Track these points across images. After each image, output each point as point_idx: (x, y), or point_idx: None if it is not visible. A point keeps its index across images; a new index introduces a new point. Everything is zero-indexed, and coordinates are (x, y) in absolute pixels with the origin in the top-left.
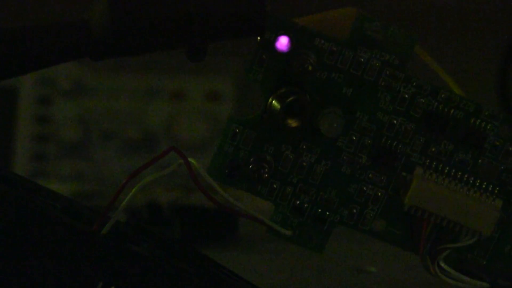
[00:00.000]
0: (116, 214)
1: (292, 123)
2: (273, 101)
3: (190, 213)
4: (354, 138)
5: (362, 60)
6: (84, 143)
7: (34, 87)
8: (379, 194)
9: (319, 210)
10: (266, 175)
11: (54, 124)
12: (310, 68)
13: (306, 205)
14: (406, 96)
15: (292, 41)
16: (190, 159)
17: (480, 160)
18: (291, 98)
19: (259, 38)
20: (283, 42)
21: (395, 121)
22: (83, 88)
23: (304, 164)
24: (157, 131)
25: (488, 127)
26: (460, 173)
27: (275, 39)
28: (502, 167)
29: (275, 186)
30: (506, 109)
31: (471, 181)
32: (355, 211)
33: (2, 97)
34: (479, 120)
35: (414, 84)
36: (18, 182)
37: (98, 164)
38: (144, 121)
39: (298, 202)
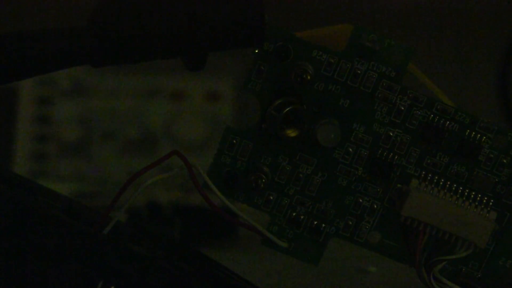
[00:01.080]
0: (117, 214)
1: (290, 133)
2: (271, 111)
3: (190, 213)
4: (350, 149)
5: (359, 72)
6: (84, 143)
7: (34, 87)
8: (375, 206)
9: (315, 222)
10: (263, 185)
11: (54, 124)
12: (308, 77)
13: (302, 216)
14: (402, 108)
15: (290, 51)
16: (192, 164)
17: (475, 172)
18: (288, 108)
19: (256, 50)
20: None
21: (391, 133)
22: (83, 88)
23: (301, 175)
24: (157, 131)
25: (483, 139)
26: (455, 185)
27: (273, 50)
28: (496, 179)
29: (271, 197)
30: (506, 110)
31: (466, 193)
32: (351, 223)
33: (2, 97)
34: (474, 132)
35: (410, 95)
36: (18, 182)
37: (98, 164)
38: (144, 121)
39: (294, 214)
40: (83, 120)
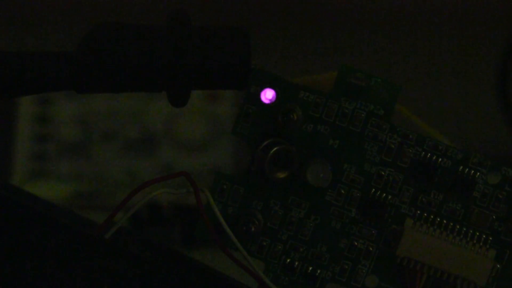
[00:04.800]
0: (121, 220)
1: (279, 174)
2: (259, 152)
3: (190, 213)
4: (342, 191)
5: (347, 111)
6: (84, 143)
7: None
8: (371, 248)
9: (310, 268)
10: (254, 230)
11: (54, 124)
12: (294, 117)
13: (297, 262)
14: (393, 146)
15: (277, 93)
16: (203, 189)
17: (471, 209)
18: (276, 148)
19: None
20: (268, 95)
21: (383, 172)
22: None
23: (294, 219)
24: (157, 131)
25: (477, 175)
26: (451, 223)
27: (260, 92)
28: (494, 216)
29: (265, 243)
30: (506, 110)
31: (463, 231)
32: (346, 267)
33: None
34: (467, 168)
35: (400, 133)
36: (17, 191)
37: (98, 164)
38: (144, 121)
39: (288, 260)
40: (83, 120)
